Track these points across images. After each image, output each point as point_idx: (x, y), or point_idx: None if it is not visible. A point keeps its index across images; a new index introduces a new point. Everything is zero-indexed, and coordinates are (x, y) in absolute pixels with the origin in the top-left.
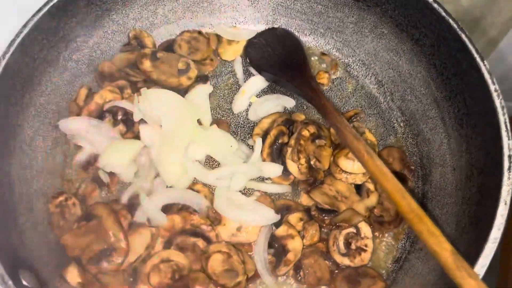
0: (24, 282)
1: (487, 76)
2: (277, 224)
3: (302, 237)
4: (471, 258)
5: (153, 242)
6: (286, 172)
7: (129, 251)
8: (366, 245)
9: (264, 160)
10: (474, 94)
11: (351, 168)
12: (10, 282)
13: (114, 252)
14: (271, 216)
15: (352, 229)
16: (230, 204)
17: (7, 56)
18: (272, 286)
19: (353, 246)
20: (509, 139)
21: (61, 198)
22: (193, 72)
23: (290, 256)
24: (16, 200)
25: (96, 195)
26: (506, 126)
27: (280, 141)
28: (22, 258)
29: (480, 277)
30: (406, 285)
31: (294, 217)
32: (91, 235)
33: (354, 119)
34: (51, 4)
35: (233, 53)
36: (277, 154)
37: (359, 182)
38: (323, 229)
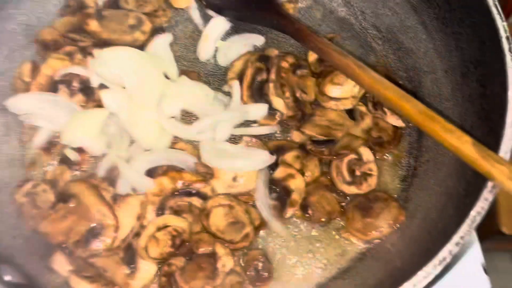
0: (7, 278)
1: None
2: (273, 168)
3: (303, 175)
4: (491, 149)
5: (143, 211)
6: (271, 111)
7: (118, 226)
8: (370, 169)
9: (245, 103)
10: None
11: (339, 93)
12: None
13: (102, 229)
14: (266, 157)
15: (353, 156)
16: (219, 155)
17: None
18: (281, 231)
19: (357, 173)
20: (503, 21)
21: (27, 186)
22: (147, 25)
23: (294, 196)
24: None
25: (67, 177)
26: (497, 8)
27: (259, 79)
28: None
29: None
30: (421, 199)
31: (289, 156)
32: (72, 217)
33: None
34: None
35: None
36: (258, 95)
37: (350, 107)
38: (322, 162)
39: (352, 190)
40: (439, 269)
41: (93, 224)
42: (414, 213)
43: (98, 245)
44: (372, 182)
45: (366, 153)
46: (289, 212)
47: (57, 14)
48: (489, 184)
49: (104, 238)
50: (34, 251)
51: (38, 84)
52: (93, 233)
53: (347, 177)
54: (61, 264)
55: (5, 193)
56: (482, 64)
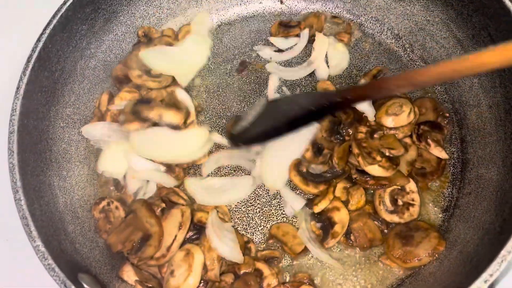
0: (85, 286)
1: (509, 4)
2: (310, 204)
3: (347, 203)
4: None
5: (185, 220)
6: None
7: (163, 233)
8: (413, 199)
9: None
10: (499, 26)
11: (395, 122)
12: (72, 287)
13: (150, 237)
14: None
15: (396, 186)
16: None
17: (28, 72)
18: (324, 259)
19: (400, 202)
20: None
21: (103, 203)
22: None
23: (337, 228)
24: (62, 210)
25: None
26: None
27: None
28: (79, 264)
29: None
30: (460, 231)
31: (338, 188)
32: (129, 228)
33: (378, 77)
34: (59, 15)
35: None
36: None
37: (409, 133)
38: (367, 191)
39: (393, 218)
40: None
41: (143, 233)
42: (453, 244)
43: (146, 250)
44: (414, 211)
45: (410, 184)
46: (331, 243)
47: (130, 51)
48: None
49: (151, 244)
50: (107, 262)
51: (112, 114)
52: (143, 240)
53: (390, 206)
54: (129, 274)
55: (85, 209)
56: None
